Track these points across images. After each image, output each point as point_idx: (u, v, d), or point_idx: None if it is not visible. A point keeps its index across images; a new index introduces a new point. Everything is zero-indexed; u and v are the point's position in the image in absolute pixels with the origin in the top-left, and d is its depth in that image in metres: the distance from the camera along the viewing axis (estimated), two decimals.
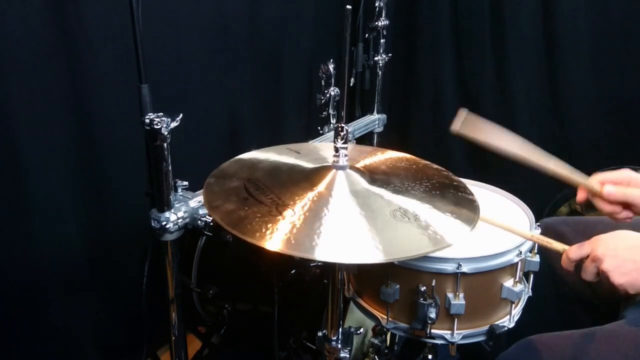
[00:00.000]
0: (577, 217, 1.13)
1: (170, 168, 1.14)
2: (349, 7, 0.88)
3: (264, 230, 0.79)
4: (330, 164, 0.93)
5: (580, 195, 1.01)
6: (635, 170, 1.00)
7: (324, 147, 1.10)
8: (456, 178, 1.04)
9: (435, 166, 1.07)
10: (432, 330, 1.02)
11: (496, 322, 1.06)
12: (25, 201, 1.36)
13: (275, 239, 0.77)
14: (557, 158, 1.00)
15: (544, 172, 1.00)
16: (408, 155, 1.11)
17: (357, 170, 0.94)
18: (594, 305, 1.19)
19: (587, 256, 0.93)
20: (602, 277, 0.91)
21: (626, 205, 0.97)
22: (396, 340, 1.38)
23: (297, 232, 0.79)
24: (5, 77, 1.27)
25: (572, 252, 0.95)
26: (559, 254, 0.99)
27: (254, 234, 0.78)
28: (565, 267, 0.97)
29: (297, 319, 1.50)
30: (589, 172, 1.00)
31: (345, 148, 0.91)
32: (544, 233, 1.08)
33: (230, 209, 0.86)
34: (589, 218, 1.28)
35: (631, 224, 0.99)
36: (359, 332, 1.07)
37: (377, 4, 2.00)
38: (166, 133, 1.09)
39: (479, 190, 1.28)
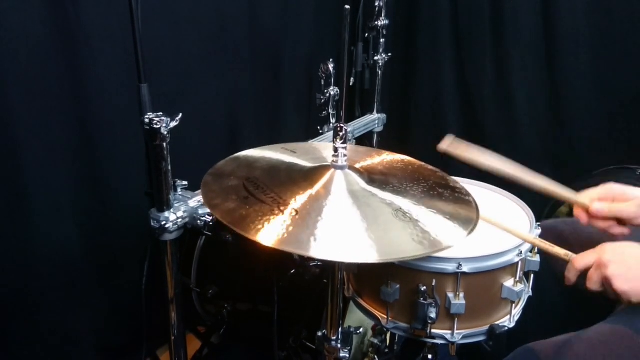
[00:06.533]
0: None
1: (169, 168, 1.14)
2: (347, 7, 0.87)
3: (266, 228, 0.80)
4: (329, 164, 0.93)
5: (581, 217, 1.02)
6: (635, 170, 0.99)
7: (321, 147, 1.10)
8: (452, 179, 1.04)
9: (431, 167, 1.07)
10: (432, 330, 1.02)
11: (496, 322, 1.05)
12: (24, 201, 1.36)
13: (275, 236, 0.78)
14: (543, 177, 1.02)
15: (533, 189, 1.01)
16: (406, 158, 1.11)
17: (356, 170, 0.94)
18: (595, 302, 1.18)
19: (592, 264, 0.92)
20: (605, 283, 0.89)
21: (618, 220, 0.98)
22: (396, 340, 1.38)
23: (296, 229, 0.79)
24: (5, 77, 1.27)
25: (578, 261, 0.94)
26: (560, 258, 0.99)
27: (258, 233, 0.79)
28: (570, 277, 0.96)
29: (297, 319, 1.50)
30: (589, 171, 1.00)
31: (345, 148, 0.91)
32: (543, 235, 1.08)
33: (231, 207, 0.86)
34: None
35: (633, 236, 0.98)
36: (358, 332, 1.07)
37: (377, 4, 2.00)
38: (166, 133, 1.09)
39: (480, 190, 1.27)
